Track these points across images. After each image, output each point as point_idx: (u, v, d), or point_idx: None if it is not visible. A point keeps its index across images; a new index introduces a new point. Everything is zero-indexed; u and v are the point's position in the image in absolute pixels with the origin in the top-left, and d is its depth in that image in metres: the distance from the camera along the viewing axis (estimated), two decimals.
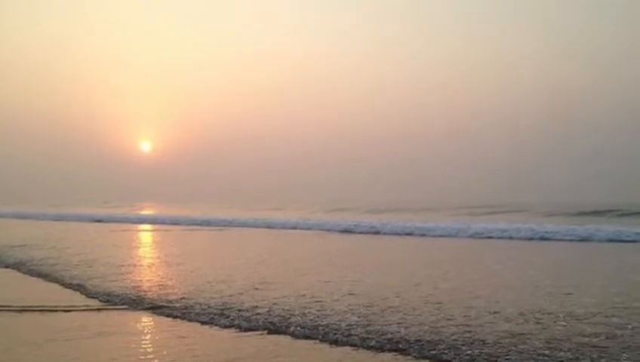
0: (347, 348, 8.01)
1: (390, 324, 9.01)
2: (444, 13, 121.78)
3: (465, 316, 9.56)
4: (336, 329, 8.77)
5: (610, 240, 24.55)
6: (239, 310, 10.22)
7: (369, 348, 7.99)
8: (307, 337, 8.56)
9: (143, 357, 7.64)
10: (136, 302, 11.21)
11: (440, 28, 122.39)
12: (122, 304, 11.18)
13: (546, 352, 7.50)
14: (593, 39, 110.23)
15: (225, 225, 40.74)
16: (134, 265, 16.93)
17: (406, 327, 8.82)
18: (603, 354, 7.40)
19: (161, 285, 13.07)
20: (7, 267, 16.79)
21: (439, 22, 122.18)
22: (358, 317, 9.55)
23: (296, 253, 21.46)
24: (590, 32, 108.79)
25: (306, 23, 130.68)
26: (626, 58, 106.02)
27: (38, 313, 10.48)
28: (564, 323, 8.98)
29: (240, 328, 9.15)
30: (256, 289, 12.28)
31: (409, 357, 7.61)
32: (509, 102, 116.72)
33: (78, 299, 11.73)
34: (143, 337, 8.79)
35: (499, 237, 27.21)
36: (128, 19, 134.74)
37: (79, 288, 12.90)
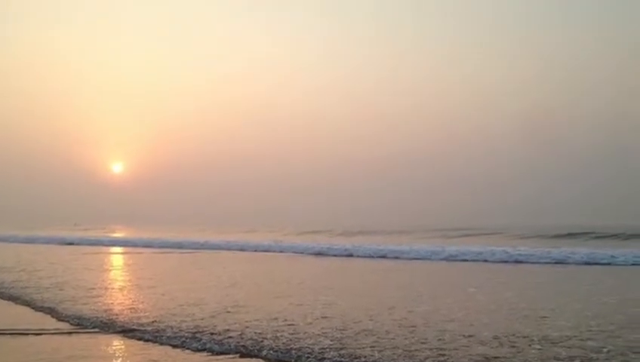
0: None
1: (364, 348, 8.95)
2: (418, 34, 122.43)
3: (439, 339, 9.51)
4: (309, 353, 8.70)
5: (586, 263, 24.60)
6: (211, 333, 10.14)
7: None
8: (280, 360, 8.51)
9: None
10: (108, 326, 11.10)
11: (415, 50, 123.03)
12: (93, 327, 11.06)
13: None
14: (569, 62, 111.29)
15: (197, 248, 40.54)
16: (105, 288, 16.79)
17: (380, 351, 8.76)
18: None
19: (133, 308, 12.96)
20: None
21: (413, 44, 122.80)
22: (332, 340, 9.48)
23: (269, 276, 21.34)
24: (566, 54, 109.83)
25: (279, 47, 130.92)
26: (602, 81, 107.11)
27: (8, 336, 10.35)
28: (539, 347, 8.95)
29: (212, 351, 9.08)
30: (229, 312, 12.20)
31: None
32: (484, 124, 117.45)
33: (49, 323, 11.61)
34: (114, 361, 8.70)
35: (473, 260, 27.19)
36: (100, 41, 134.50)
37: (50, 311, 12.77)
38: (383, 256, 30.63)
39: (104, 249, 40.98)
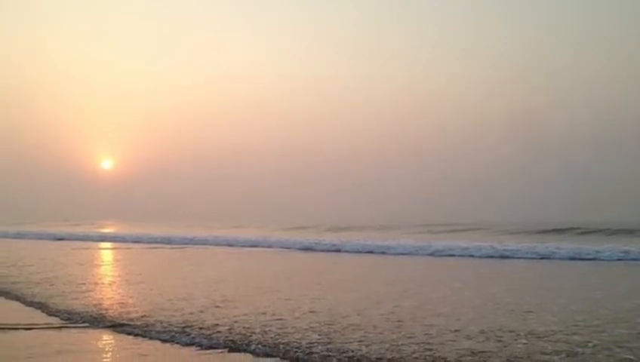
0: None
1: (351, 342, 9.02)
2: (398, 35, 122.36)
3: (426, 334, 9.58)
4: (297, 347, 8.76)
5: (571, 258, 24.74)
6: (200, 328, 10.19)
7: None
8: (268, 355, 8.54)
9: None
10: (97, 320, 11.12)
11: (404, 48, 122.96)
12: (83, 322, 11.09)
13: None
14: (552, 59, 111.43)
15: (185, 243, 40.55)
16: (95, 283, 16.81)
17: (367, 345, 8.82)
18: None
19: (122, 303, 13.00)
20: None
21: (402, 43, 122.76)
22: (319, 334, 9.55)
23: (257, 271, 21.41)
24: (549, 51, 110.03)
25: (266, 47, 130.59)
26: (586, 78, 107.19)
27: None
28: (525, 341, 9.03)
29: (201, 346, 9.12)
30: (217, 307, 12.26)
31: None
32: (469, 121, 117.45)
33: (39, 317, 11.62)
34: (104, 355, 8.74)
35: (460, 256, 27.29)
36: (89, 39, 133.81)
37: (40, 306, 12.79)
38: (370, 252, 30.75)
39: (94, 244, 40.95)
